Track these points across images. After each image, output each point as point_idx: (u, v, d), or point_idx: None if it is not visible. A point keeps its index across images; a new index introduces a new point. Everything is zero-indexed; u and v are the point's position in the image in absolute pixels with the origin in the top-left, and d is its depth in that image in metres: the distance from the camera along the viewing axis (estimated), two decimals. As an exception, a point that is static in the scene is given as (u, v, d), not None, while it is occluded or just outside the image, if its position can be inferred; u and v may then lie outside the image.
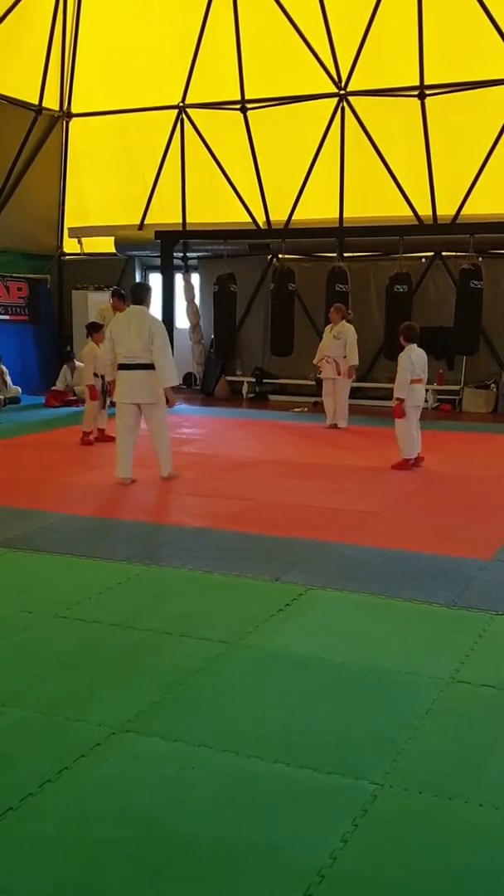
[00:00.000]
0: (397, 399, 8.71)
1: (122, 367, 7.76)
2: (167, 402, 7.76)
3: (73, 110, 16.17)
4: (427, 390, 13.70)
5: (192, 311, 15.41)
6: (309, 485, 7.92)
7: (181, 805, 2.85)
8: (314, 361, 11.70)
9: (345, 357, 11.32)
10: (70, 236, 16.58)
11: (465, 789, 2.96)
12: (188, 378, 15.82)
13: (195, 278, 15.79)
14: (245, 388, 15.24)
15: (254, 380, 15.22)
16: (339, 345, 11.35)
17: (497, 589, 5.05)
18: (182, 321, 15.75)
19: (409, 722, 3.43)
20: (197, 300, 15.56)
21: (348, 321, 11.55)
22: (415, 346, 8.75)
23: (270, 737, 3.30)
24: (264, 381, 15.24)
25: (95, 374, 9.83)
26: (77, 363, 13.48)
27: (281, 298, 14.31)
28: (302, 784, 2.99)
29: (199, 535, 6.14)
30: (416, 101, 13.68)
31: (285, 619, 4.53)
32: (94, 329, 9.81)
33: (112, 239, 15.75)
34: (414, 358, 8.68)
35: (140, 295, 7.88)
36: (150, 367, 7.66)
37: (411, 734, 3.33)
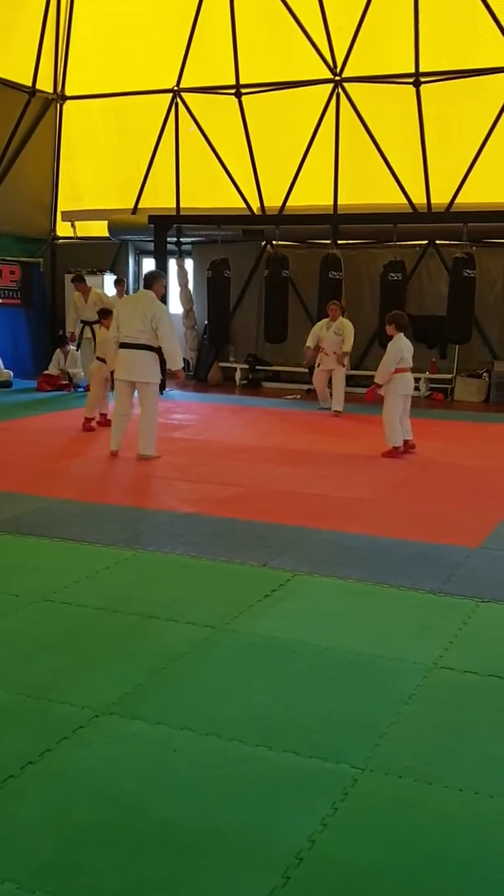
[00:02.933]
0: (375, 384, 8.80)
1: (123, 346, 8.13)
2: (167, 379, 7.96)
3: (68, 93, 16.07)
4: (419, 379, 13.78)
5: (186, 297, 15.37)
6: (300, 471, 7.94)
7: (163, 787, 2.86)
8: (307, 345, 11.71)
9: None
10: (63, 220, 16.50)
11: (445, 774, 2.98)
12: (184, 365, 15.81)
13: (189, 263, 15.74)
14: (238, 375, 15.23)
15: (247, 366, 15.21)
16: (338, 340, 11.56)
17: (482, 576, 5.07)
18: (175, 306, 15.70)
19: (391, 707, 3.44)
20: (190, 285, 15.52)
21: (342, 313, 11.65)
22: (403, 335, 8.80)
23: (254, 721, 3.31)
24: (257, 367, 15.24)
25: (101, 359, 9.78)
26: (70, 347, 13.45)
27: (275, 285, 14.28)
28: (283, 768, 3.00)
29: (189, 521, 6.16)
30: (412, 89, 13.63)
31: (272, 605, 4.55)
32: (104, 315, 9.86)
33: (105, 223, 15.68)
34: (403, 347, 8.70)
35: (149, 281, 8.27)
36: (149, 348, 8.02)
37: (394, 719, 3.35)
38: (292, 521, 6.21)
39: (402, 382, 8.76)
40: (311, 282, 14.15)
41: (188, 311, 15.48)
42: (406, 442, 8.86)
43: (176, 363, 8.05)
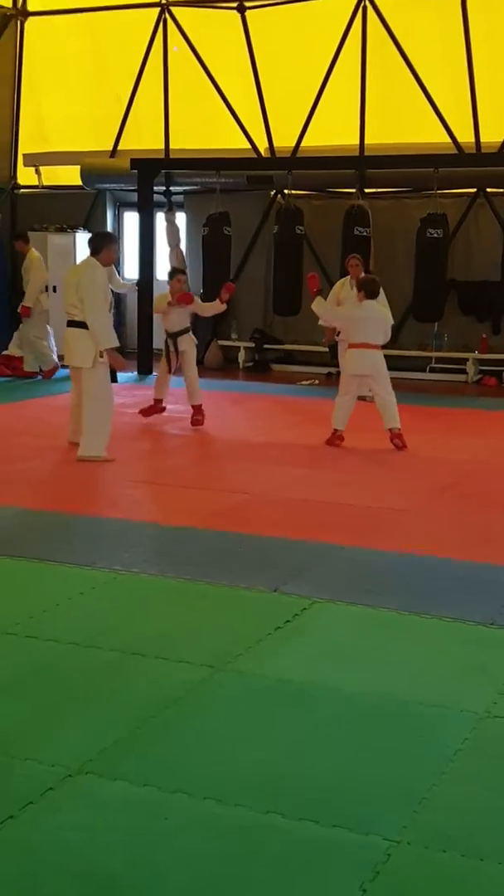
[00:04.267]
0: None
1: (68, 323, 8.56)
2: (113, 366, 8.22)
3: (30, 7, 16.07)
4: (466, 360, 13.78)
5: (177, 259, 15.37)
6: (318, 475, 7.95)
7: (148, 864, 2.87)
8: (320, 322, 11.65)
9: None
10: (26, 164, 16.51)
11: (499, 846, 2.98)
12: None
13: (180, 218, 15.76)
14: (241, 356, 15.23)
15: (252, 345, 15.22)
16: None
17: (546, 604, 5.07)
18: (164, 272, 15.70)
19: (433, 765, 3.45)
20: (183, 245, 15.53)
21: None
22: (374, 303, 9.35)
23: (263, 782, 3.32)
24: (265, 346, 15.24)
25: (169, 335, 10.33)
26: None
27: (287, 244, 14.28)
28: (299, 839, 3.01)
29: (181, 536, 6.17)
30: (456, 0, 13.60)
31: (285, 639, 4.56)
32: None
33: (78, 168, 15.70)
34: (364, 317, 9.23)
35: (94, 245, 8.50)
36: (83, 325, 8.27)
37: (436, 780, 3.35)
38: (309, 535, 6.22)
39: (351, 361, 9.24)
40: (332, 240, 14.14)
41: (180, 278, 15.53)
42: (335, 432, 9.16)
43: (102, 341, 8.19)
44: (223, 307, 10.40)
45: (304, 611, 4.92)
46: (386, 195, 14.64)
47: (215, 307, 10.32)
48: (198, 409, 10.13)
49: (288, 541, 6.11)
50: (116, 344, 8.32)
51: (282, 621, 4.76)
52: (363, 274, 11.47)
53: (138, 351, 14.34)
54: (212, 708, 3.87)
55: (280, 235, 14.39)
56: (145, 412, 10.31)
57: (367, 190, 14.09)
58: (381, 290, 11.51)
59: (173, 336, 10.15)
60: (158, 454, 8.39)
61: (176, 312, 10.08)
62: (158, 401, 10.43)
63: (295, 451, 8.89)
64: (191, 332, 10.30)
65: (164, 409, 10.40)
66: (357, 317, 9.33)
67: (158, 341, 14.60)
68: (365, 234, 13.73)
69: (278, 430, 9.98)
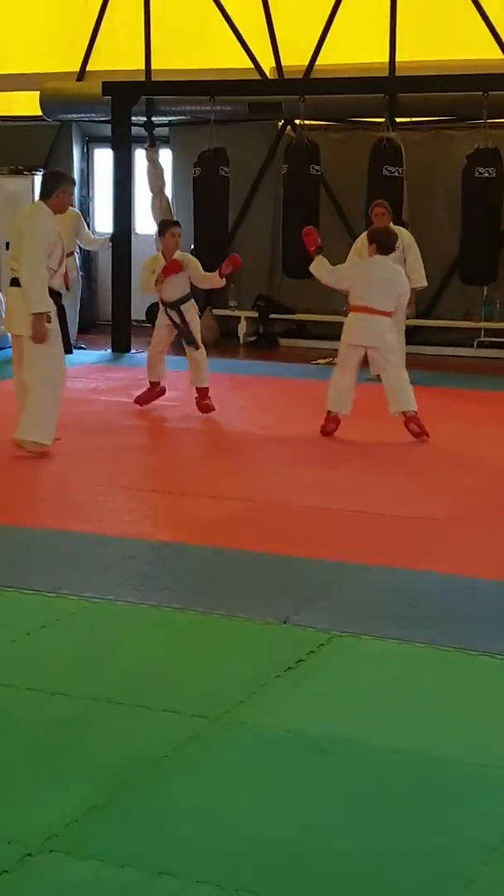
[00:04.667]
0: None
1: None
2: (33, 335, 8.22)
3: None
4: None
5: (161, 207, 15.30)
6: (337, 476, 7.94)
7: None
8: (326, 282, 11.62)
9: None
10: (-30, 91, 16.52)
11: None
12: (149, 313, 15.58)
13: (165, 156, 15.72)
14: (242, 329, 15.17)
15: (255, 315, 15.15)
16: (393, 261, 11.24)
17: None
18: (145, 223, 15.70)
19: (482, 839, 3.44)
20: (168, 190, 15.49)
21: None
22: (387, 260, 9.39)
23: (270, 860, 3.31)
24: (272, 316, 15.18)
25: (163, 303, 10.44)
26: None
27: (299, 188, 14.19)
28: (316, 933, 3.01)
29: (168, 554, 6.17)
30: None
31: (297, 683, 4.56)
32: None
33: (36, 95, 15.67)
34: (367, 274, 9.33)
35: (44, 186, 8.71)
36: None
37: (485, 858, 3.34)
38: (327, 553, 6.21)
39: (351, 327, 9.36)
40: (355, 182, 14.02)
41: (165, 230, 15.48)
42: (328, 415, 9.21)
43: (33, 304, 8.22)
44: (222, 282, 10.50)
45: (320, 647, 4.90)
46: (423, 126, 14.60)
47: (212, 280, 10.39)
48: (204, 393, 10.17)
49: (301, 560, 6.09)
50: (47, 309, 8.22)
51: (293, 660, 4.74)
52: (394, 226, 11.45)
53: (112, 322, 14.33)
54: (206, 769, 3.85)
55: (290, 177, 14.29)
56: (142, 399, 10.35)
57: (398, 120, 14.02)
58: (413, 246, 11.47)
59: (174, 305, 10.19)
60: (140, 452, 8.34)
61: (171, 280, 10.10)
62: (155, 384, 10.49)
63: (308, 447, 8.86)
64: (193, 300, 10.38)
65: (164, 391, 10.49)
66: (362, 274, 9.38)
67: (138, 312, 14.63)
68: (396, 174, 13.63)
69: (287, 422, 9.93)
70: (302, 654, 4.83)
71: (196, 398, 10.18)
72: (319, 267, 9.57)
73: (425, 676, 4.67)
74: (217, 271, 10.23)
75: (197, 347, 10.19)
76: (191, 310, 10.28)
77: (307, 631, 5.10)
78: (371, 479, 7.89)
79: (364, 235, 11.66)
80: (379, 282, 9.22)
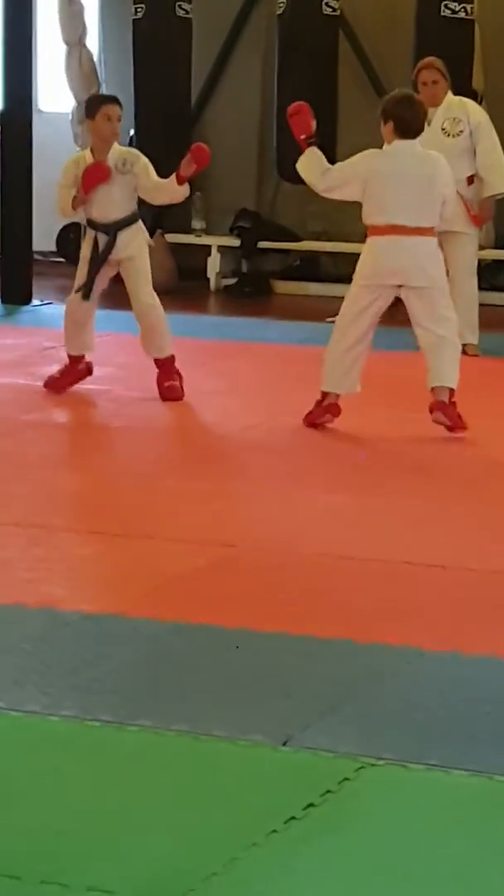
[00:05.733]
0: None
1: None
2: None
3: None
4: None
5: (81, 69, 13.33)
6: (362, 505, 6.68)
7: None
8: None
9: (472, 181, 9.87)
10: None
11: None
12: (64, 241, 13.29)
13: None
14: (214, 265, 12.86)
15: (236, 243, 12.91)
16: (456, 154, 9.54)
17: None
18: (55, 99, 13.69)
19: None
20: (93, 43, 13.52)
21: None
22: (416, 146, 7.32)
23: None
24: (261, 245, 12.95)
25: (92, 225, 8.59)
26: None
27: (304, 39, 12.16)
28: None
29: (104, 633, 5.16)
30: None
31: (304, 841, 3.51)
32: None
33: None
34: (374, 172, 7.25)
35: None
36: None
37: None
38: (351, 631, 5.06)
39: (369, 258, 7.35)
40: (393, 30, 12.10)
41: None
42: (323, 398, 7.65)
43: None
44: (183, 192, 8.28)
45: (342, 783, 3.75)
46: None
47: (168, 190, 8.23)
48: (168, 366, 8.35)
49: (309, 641, 4.96)
50: None
51: (299, 806, 3.58)
52: (455, 97, 9.72)
53: (1, 257, 11.57)
54: None
55: (291, 20, 12.23)
56: (54, 383, 8.47)
57: None
58: (489, 130, 9.84)
59: (105, 229, 8.13)
60: (51, 467, 7.21)
61: (101, 191, 8.06)
62: (77, 359, 8.51)
63: (314, 456, 7.47)
64: (140, 222, 8.32)
65: (90, 370, 8.59)
66: (378, 172, 7.27)
67: (42, 240, 12.67)
68: (462, 15, 11.73)
69: (283, 416, 8.35)
70: (313, 795, 3.67)
71: (157, 376, 8.40)
72: (310, 165, 7.60)
73: (501, 827, 3.58)
74: (174, 175, 7.98)
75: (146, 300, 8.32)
76: (132, 239, 8.26)
77: (320, 756, 3.99)
78: (419, 507, 6.59)
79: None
80: (406, 182, 7.20)
